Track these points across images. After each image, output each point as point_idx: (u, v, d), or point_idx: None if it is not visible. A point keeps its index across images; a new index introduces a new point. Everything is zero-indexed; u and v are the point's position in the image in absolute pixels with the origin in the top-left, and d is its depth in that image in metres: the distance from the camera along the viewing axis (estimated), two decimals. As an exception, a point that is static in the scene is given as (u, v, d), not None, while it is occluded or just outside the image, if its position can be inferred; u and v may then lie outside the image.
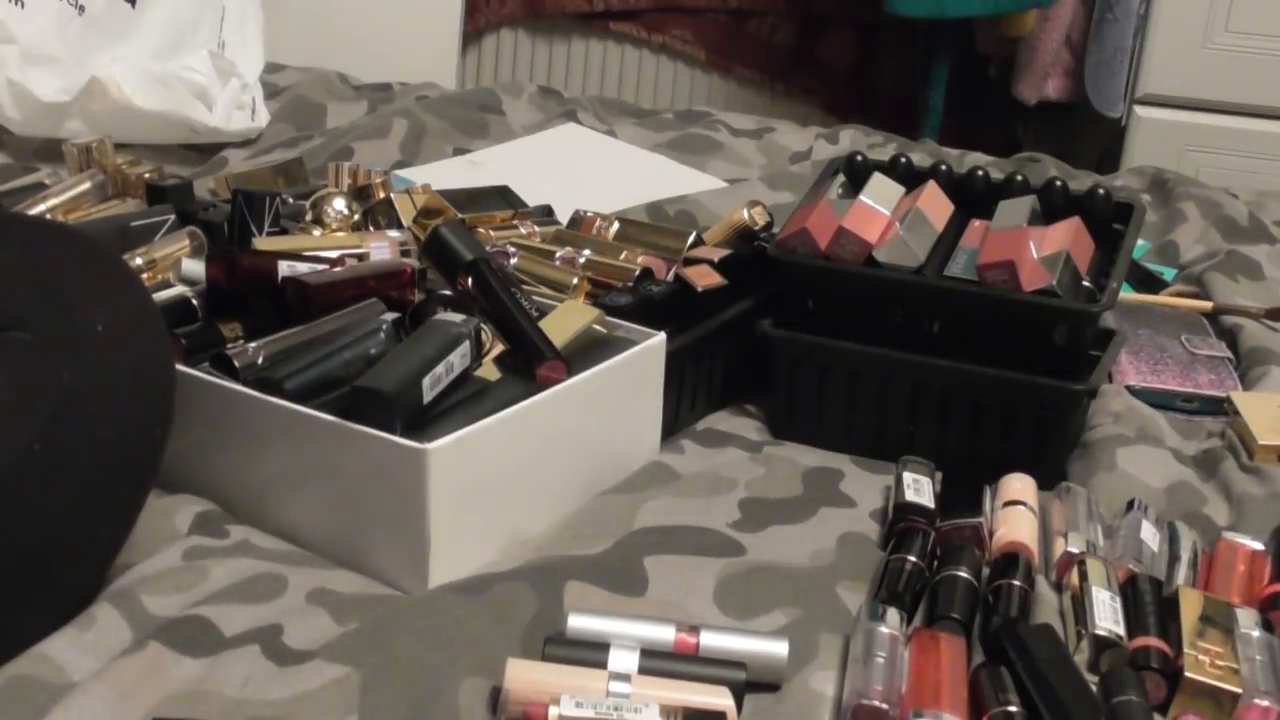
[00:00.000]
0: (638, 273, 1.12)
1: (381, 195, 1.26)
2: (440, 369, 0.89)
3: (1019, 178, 1.18)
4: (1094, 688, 0.80)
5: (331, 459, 0.87)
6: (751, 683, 0.79)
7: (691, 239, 1.21)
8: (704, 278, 1.11)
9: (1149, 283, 1.43)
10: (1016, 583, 0.89)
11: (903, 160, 1.22)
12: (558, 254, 1.15)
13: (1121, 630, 0.85)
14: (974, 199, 1.17)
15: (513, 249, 1.15)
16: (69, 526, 0.77)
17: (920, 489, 0.99)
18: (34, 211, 1.20)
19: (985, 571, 0.92)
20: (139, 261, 1.09)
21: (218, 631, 0.81)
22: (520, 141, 1.75)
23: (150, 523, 0.88)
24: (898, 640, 0.82)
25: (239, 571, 0.87)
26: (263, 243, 1.08)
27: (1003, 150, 1.93)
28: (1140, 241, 1.52)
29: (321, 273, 1.01)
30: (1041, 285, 1.03)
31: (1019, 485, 1.01)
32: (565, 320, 1.00)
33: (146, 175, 1.31)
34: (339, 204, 1.16)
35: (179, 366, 0.89)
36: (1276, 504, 1.03)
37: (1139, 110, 2.40)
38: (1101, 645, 0.84)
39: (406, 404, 0.86)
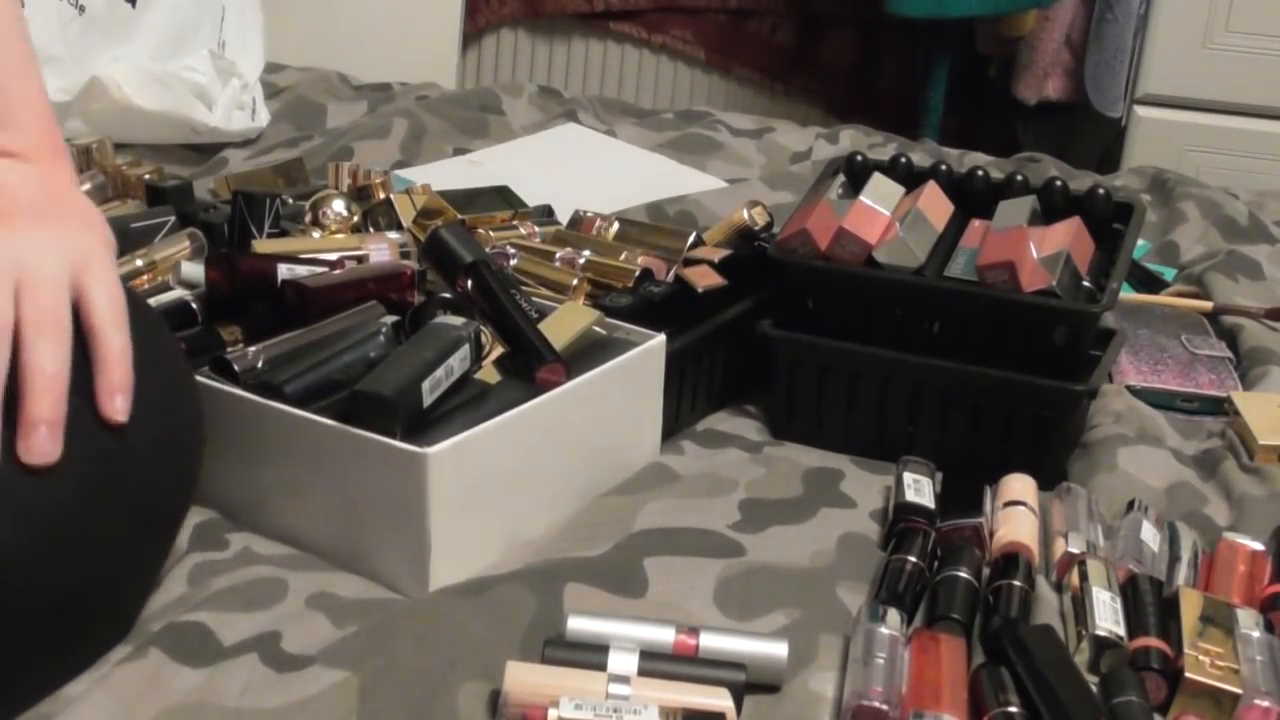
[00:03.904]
0: (638, 273, 1.12)
1: (381, 196, 1.26)
2: (440, 372, 0.89)
3: (1019, 178, 1.18)
4: (1094, 688, 0.80)
5: (332, 463, 0.87)
6: (751, 684, 0.79)
7: (691, 239, 1.21)
8: (704, 278, 1.11)
9: (1149, 283, 1.42)
10: (1017, 583, 0.89)
11: (903, 160, 1.22)
12: (557, 255, 1.15)
13: (1122, 631, 0.85)
14: (974, 199, 1.17)
15: (512, 250, 1.15)
16: (98, 585, 0.77)
17: (920, 489, 0.99)
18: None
19: (985, 572, 0.92)
20: (139, 263, 1.09)
21: (217, 640, 0.80)
22: (520, 141, 1.75)
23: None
24: (898, 641, 0.82)
25: (239, 578, 0.86)
26: (262, 245, 1.08)
27: (1003, 150, 1.93)
28: (1140, 241, 1.52)
29: (321, 275, 1.01)
30: (1041, 286, 1.03)
31: (1019, 485, 1.01)
32: (565, 322, 1.00)
33: (146, 176, 1.31)
34: (338, 205, 1.16)
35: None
36: (1277, 504, 1.03)
37: (1139, 110, 2.40)
38: (1102, 646, 0.84)
39: (406, 408, 0.86)
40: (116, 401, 0.75)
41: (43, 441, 0.72)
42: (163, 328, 0.86)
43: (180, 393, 0.84)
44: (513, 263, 1.13)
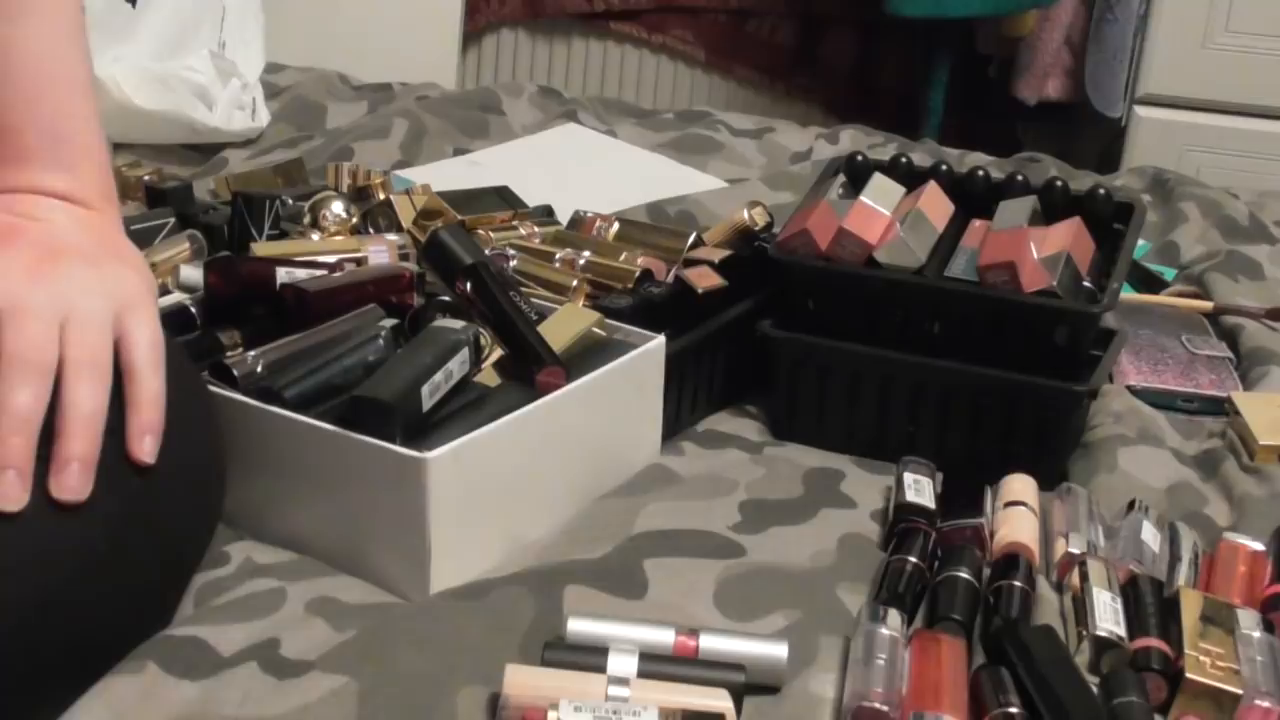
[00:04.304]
0: (638, 274, 1.12)
1: (381, 196, 1.26)
2: (439, 376, 0.89)
3: (1019, 178, 1.18)
4: (1095, 689, 0.80)
5: (332, 467, 0.87)
6: (751, 685, 0.79)
7: (691, 239, 1.21)
8: (704, 279, 1.11)
9: (1149, 283, 1.42)
10: (1017, 583, 0.89)
11: (903, 160, 1.22)
12: (557, 255, 1.15)
13: (1122, 631, 0.85)
14: (974, 199, 1.17)
15: (512, 251, 1.14)
16: (122, 623, 0.78)
17: (921, 489, 0.99)
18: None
19: (986, 572, 0.92)
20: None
21: (215, 652, 0.80)
22: (520, 141, 1.75)
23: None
24: (898, 642, 0.82)
25: (240, 591, 0.86)
26: (261, 248, 1.08)
27: (1003, 150, 1.93)
28: (1140, 241, 1.52)
29: (320, 279, 1.01)
30: (1042, 286, 1.03)
31: (1020, 486, 1.00)
32: (565, 324, 1.00)
33: (146, 178, 1.31)
34: (337, 207, 1.16)
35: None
36: (1277, 504, 1.02)
37: (1139, 110, 2.40)
38: (1102, 646, 0.84)
39: (406, 412, 0.86)
40: (146, 443, 0.76)
41: (74, 479, 0.72)
42: (192, 369, 0.88)
43: (206, 434, 0.85)
44: (512, 264, 1.13)
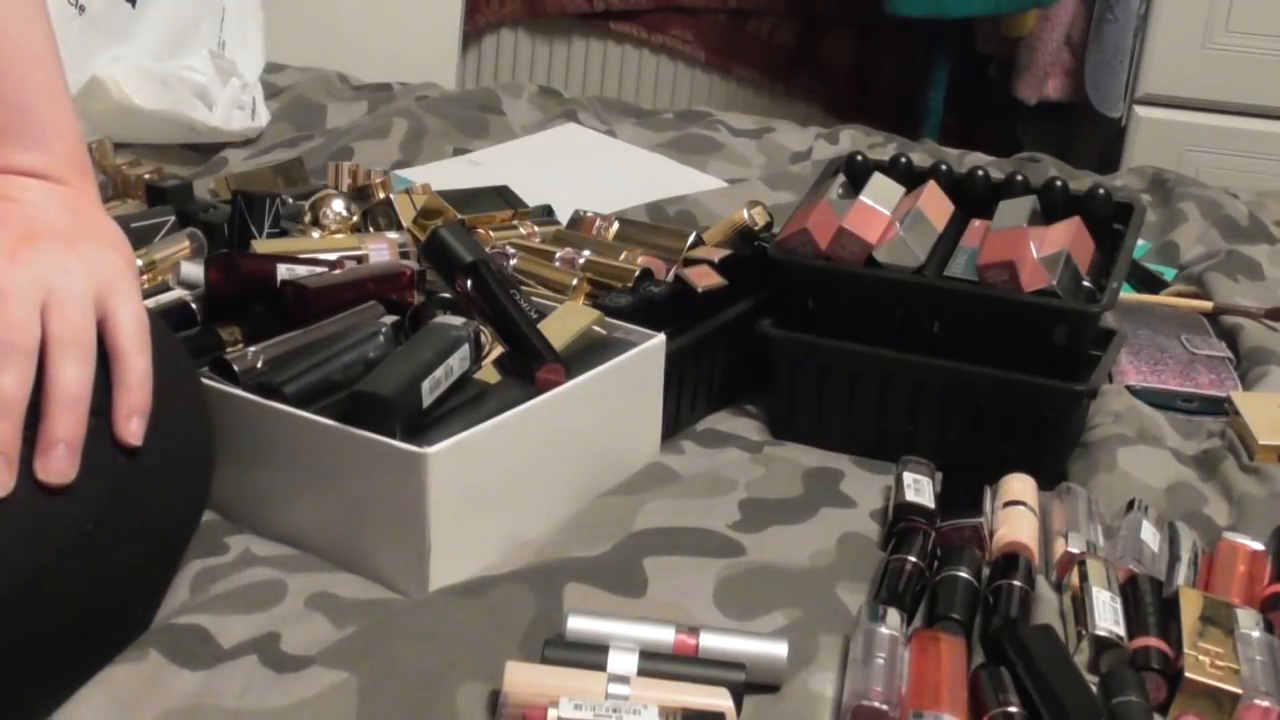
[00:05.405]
0: (638, 273, 1.12)
1: (381, 196, 1.26)
2: (440, 372, 0.89)
3: (1019, 178, 1.18)
4: (1094, 688, 0.80)
5: (332, 463, 0.87)
6: (751, 684, 0.79)
7: (691, 239, 1.21)
8: (704, 278, 1.11)
9: (1149, 283, 1.42)
10: (1017, 583, 0.89)
11: (903, 160, 1.22)
12: (557, 255, 1.15)
13: (1122, 631, 0.85)
14: (974, 199, 1.17)
15: (512, 250, 1.15)
16: (110, 605, 0.78)
17: (920, 489, 0.99)
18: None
19: (985, 572, 0.92)
20: (139, 263, 1.09)
21: (216, 643, 0.80)
22: (520, 141, 1.75)
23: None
24: (898, 641, 0.82)
25: (238, 581, 0.86)
26: (261, 245, 1.08)
27: (1003, 150, 1.93)
28: (1140, 241, 1.52)
29: (320, 275, 1.01)
30: (1041, 285, 1.03)
31: (1019, 485, 1.01)
32: (565, 322, 1.00)
33: (146, 176, 1.31)
34: (337, 205, 1.16)
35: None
36: (1277, 504, 1.03)
37: (1139, 110, 2.40)
38: (1102, 646, 0.84)
39: (406, 408, 0.86)
40: (133, 424, 0.76)
41: (60, 461, 0.72)
42: (178, 349, 0.87)
43: (194, 415, 0.85)
44: (512, 263, 1.13)
